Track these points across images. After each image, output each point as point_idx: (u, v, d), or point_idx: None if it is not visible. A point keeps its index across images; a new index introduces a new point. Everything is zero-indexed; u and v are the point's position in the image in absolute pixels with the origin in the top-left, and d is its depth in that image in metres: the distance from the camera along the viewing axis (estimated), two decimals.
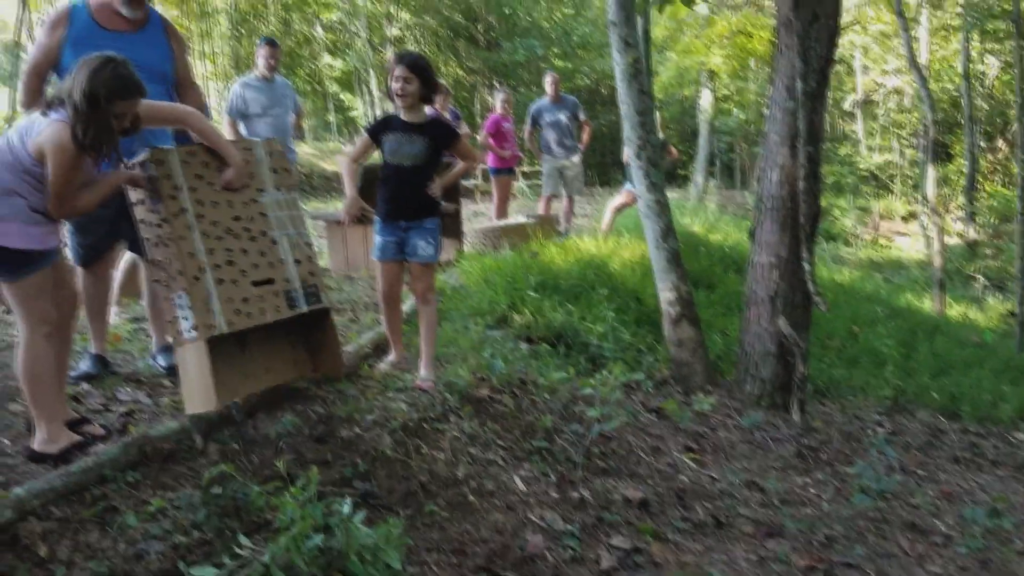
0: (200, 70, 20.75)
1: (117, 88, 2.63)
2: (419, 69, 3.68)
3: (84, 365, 3.64)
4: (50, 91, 2.90)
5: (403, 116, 3.78)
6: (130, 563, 2.28)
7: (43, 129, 2.61)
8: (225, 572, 2.15)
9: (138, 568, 2.27)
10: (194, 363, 2.89)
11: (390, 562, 2.31)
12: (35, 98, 3.27)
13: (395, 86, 3.69)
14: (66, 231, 3.47)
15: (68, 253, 3.55)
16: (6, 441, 2.88)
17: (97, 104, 2.57)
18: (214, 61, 22.52)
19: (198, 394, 2.88)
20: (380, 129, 3.85)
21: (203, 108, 3.73)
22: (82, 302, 3.54)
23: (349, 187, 3.87)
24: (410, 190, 3.81)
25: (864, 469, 4.03)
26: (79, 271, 3.60)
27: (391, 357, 4.09)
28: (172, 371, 3.73)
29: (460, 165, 4.08)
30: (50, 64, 3.36)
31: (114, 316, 4.49)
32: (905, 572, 3.16)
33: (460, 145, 3.97)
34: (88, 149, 2.62)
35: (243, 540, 2.28)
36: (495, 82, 24.20)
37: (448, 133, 3.93)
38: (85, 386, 3.52)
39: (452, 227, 7.76)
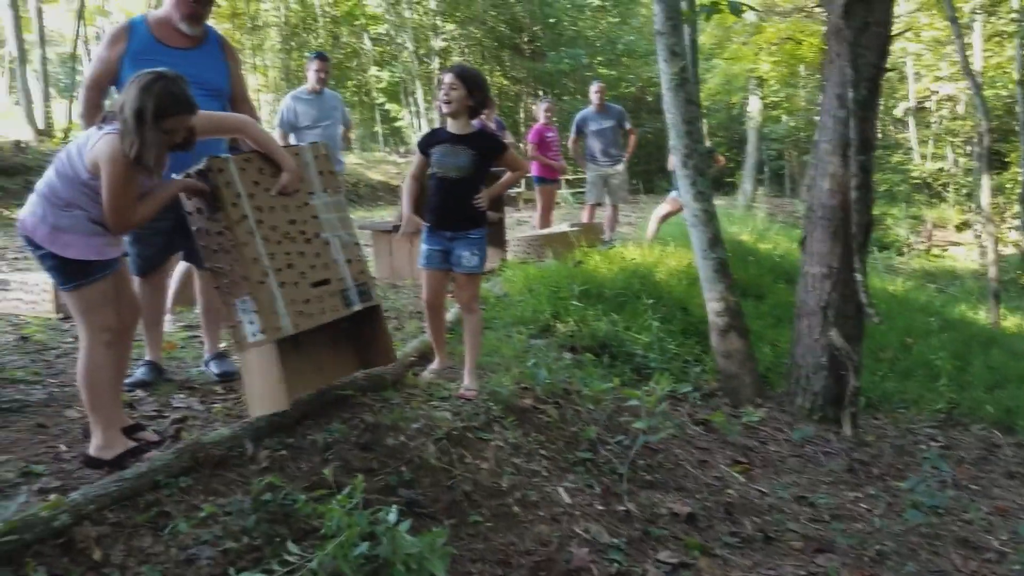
0: (251, 83, 21.16)
1: (167, 105, 2.66)
2: (466, 78, 3.71)
3: (139, 372, 3.72)
4: (107, 104, 2.98)
5: (450, 128, 3.80)
6: (181, 568, 2.32)
7: (97, 143, 2.68)
8: None
9: (189, 573, 2.31)
10: (262, 365, 2.95)
11: (435, 571, 2.31)
12: (95, 112, 3.36)
13: (441, 95, 3.74)
14: (125, 241, 3.55)
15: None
16: (63, 446, 2.96)
17: (145, 120, 2.61)
18: (265, 74, 22.97)
19: (267, 396, 2.95)
20: (428, 142, 3.88)
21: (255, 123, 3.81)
22: (144, 317, 3.64)
23: (407, 206, 3.96)
24: (455, 201, 3.83)
25: (917, 484, 3.94)
26: (136, 280, 3.69)
27: (435, 364, 4.12)
28: (225, 378, 3.81)
29: (507, 176, 4.08)
30: (110, 78, 3.46)
31: (168, 324, 4.59)
32: None
33: (508, 156, 3.96)
34: (138, 164, 2.66)
35: (291, 547, 2.30)
36: (539, 91, 24.27)
37: (495, 145, 3.94)
38: (140, 393, 3.61)
39: (496, 236, 7.77)
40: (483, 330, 4.55)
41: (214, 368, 3.86)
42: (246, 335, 2.97)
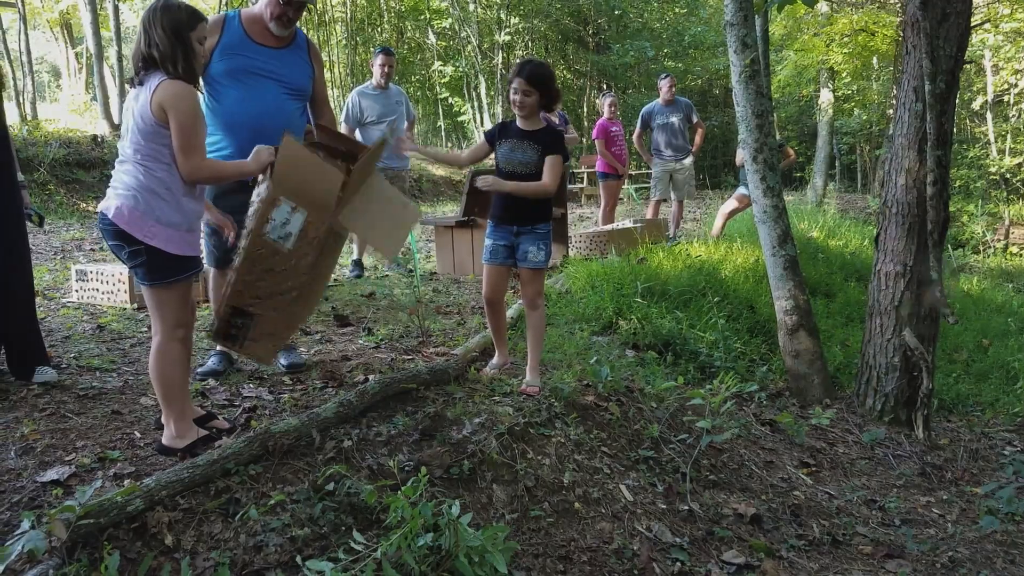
0: None
1: (192, 14, 2.75)
2: (538, 81, 3.64)
3: (211, 362, 3.84)
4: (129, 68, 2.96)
5: (519, 123, 3.79)
6: (250, 554, 2.38)
7: (155, 91, 2.67)
8: (340, 567, 2.20)
9: (257, 559, 2.36)
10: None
11: (497, 565, 2.32)
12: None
13: (514, 97, 3.68)
14: (204, 233, 3.65)
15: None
16: (137, 433, 3.05)
17: (183, 34, 2.69)
18: (331, 69, 23.32)
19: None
20: (498, 134, 3.85)
21: (334, 126, 3.91)
22: (212, 302, 3.74)
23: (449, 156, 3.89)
24: (522, 199, 3.80)
25: (993, 489, 3.80)
26: (211, 272, 3.79)
27: (495, 360, 4.11)
28: (293, 369, 3.90)
29: (529, 184, 3.74)
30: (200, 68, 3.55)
31: None
32: None
33: (552, 161, 3.73)
34: (194, 79, 2.73)
35: (357, 536, 2.34)
36: (603, 85, 24.10)
37: (557, 144, 3.78)
38: (211, 382, 3.71)
39: (558, 232, 7.76)
40: (546, 327, 4.54)
41: (282, 360, 3.93)
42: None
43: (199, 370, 3.76)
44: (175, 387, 2.88)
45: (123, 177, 2.77)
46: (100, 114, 15.46)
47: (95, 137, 13.34)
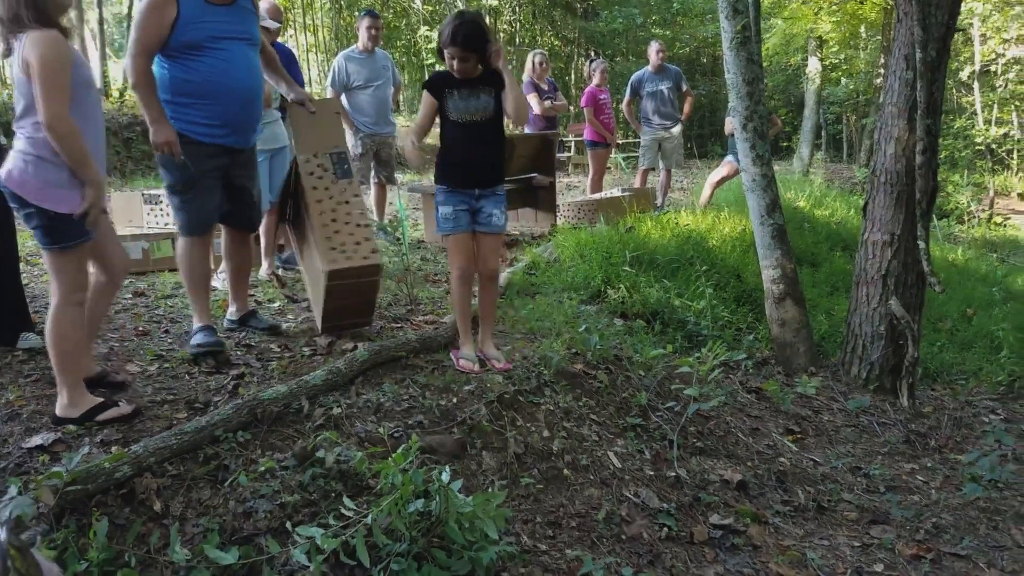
0: (301, 42, 21.22)
1: None
2: (476, 45, 3.34)
3: (201, 337, 3.57)
4: None
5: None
6: (239, 520, 2.38)
7: (24, 49, 2.64)
8: (330, 533, 2.21)
9: (247, 525, 2.37)
10: None
11: (488, 531, 2.33)
12: (151, 79, 3.39)
13: (451, 63, 3.39)
14: (181, 202, 3.57)
15: (176, 224, 3.68)
16: (123, 400, 3.03)
17: None
18: (315, 33, 22.97)
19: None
20: (442, 84, 3.47)
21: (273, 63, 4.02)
22: (184, 274, 3.67)
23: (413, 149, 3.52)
24: (486, 150, 3.54)
25: (976, 457, 3.85)
26: (186, 241, 3.64)
27: (467, 349, 3.63)
28: (273, 331, 4.00)
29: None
30: (161, 44, 3.38)
31: (221, 283, 4.67)
32: (1018, 565, 3.01)
33: (506, 93, 3.49)
34: (50, 23, 2.67)
35: (347, 502, 2.34)
36: (591, 52, 23.88)
37: (500, 78, 3.48)
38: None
39: (547, 200, 7.74)
40: (533, 295, 4.52)
41: (257, 324, 4.02)
42: None
43: (195, 352, 3.51)
44: (70, 353, 2.82)
45: (16, 142, 2.76)
46: None
47: None
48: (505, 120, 3.59)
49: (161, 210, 5.74)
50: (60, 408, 2.81)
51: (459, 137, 3.51)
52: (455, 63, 3.39)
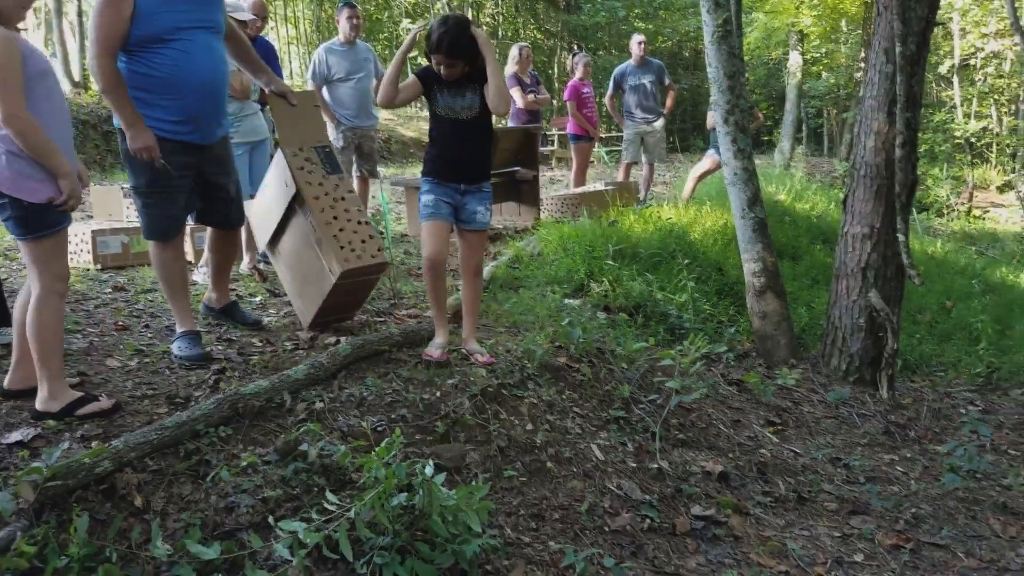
0: (282, 34, 21.09)
1: None
2: (460, 52, 3.33)
3: (184, 345, 3.48)
4: None
5: None
6: (221, 515, 2.37)
7: None
8: (313, 527, 2.20)
9: (229, 520, 2.36)
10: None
11: (471, 524, 2.33)
12: (120, 79, 3.21)
13: (442, 71, 3.39)
14: (144, 205, 3.45)
15: (141, 228, 3.55)
16: (103, 395, 3.01)
17: None
18: (296, 26, 22.82)
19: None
20: (431, 77, 3.46)
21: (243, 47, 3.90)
22: (159, 278, 3.60)
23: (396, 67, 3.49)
24: (472, 147, 3.54)
25: (955, 448, 3.89)
26: (155, 246, 3.52)
27: (440, 339, 3.59)
28: (256, 326, 3.98)
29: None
30: (122, 40, 3.20)
31: (203, 278, 4.64)
32: (995, 554, 3.05)
33: (487, 83, 3.44)
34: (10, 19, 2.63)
35: (330, 496, 2.33)
36: (574, 45, 23.88)
37: (484, 75, 3.44)
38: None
39: (530, 194, 7.74)
40: (517, 288, 4.52)
41: (239, 319, 3.99)
42: None
43: (182, 358, 3.42)
44: (51, 343, 2.80)
45: None
46: (60, 71, 15.01)
47: None
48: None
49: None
50: (40, 401, 2.78)
51: (446, 133, 3.52)
52: (441, 68, 3.38)
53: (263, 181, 4.16)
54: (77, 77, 14.86)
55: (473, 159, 3.56)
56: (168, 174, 3.34)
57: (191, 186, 3.52)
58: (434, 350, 3.50)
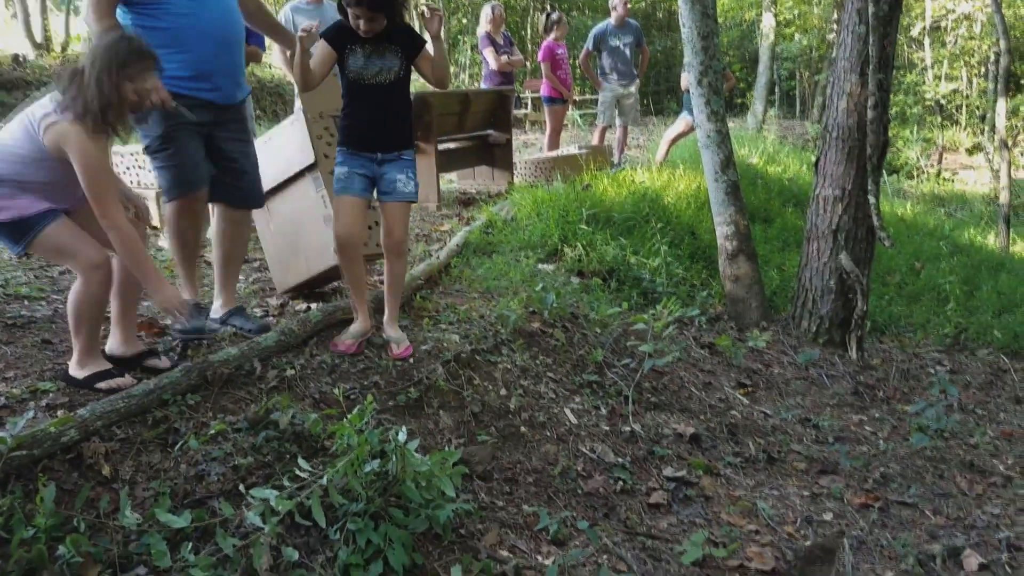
0: None
1: (135, 54, 2.60)
2: (383, 4, 3.00)
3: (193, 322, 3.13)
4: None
5: None
6: (191, 483, 2.35)
7: (55, 128, 2.55)
8: (285, 495, 2.19)
9: (199, 488, 2.34)
10: None
11: (444, 489, 2.33)
12: (112, 21, 2.99)
13: (357, 23, 3.03)
14: (165, 162, 3.22)
15: (162, 189, 3.33)
16: (69, 363, 2.95)
17: (112, 74, 2.53)
18: None
19: None
20: (343, 37, 3.11)
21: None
22: (171, 242, 3.41)
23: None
24: (390, 113, 3.20)
25: (923, 408, 3.96)
26: (173, 207, 3.29)
27: (357, 326, 3.30)
28: (262, 331, 3.33)
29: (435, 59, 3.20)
30: None
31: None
32: (962, 512, 3.12)
33: (425, 58, 3.19)
34: (104, 126, 2.57)
35: (302, 463, 2.32)
36: (548, 5, 23.58)
37: (415, 39, 3.18)
38: (147, 305, 3.58)
39: (503, 158, 7.68)
40: (491, 254, 4.48)
41: (243, 324, 3.40)
42: None
43: (180, 332, 3.16)
44: (87, 321, 2.75)
45: None
46: (22, 32, 14.55)
47: (16, 57, 12.58)
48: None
49: (127, 167, 5.43)
50: (72, 366, 2.79)
51: (359, 98, 3.17)
52: (360, 23, 3.02)
53: (273, 130, 3.91)
54: (39, 39, 14.43)
55: (388, 126, 3.21)
56: (182, 117, 3.02)
57: (203, 141, 3.24)
58: (345, 339, 3.23)
